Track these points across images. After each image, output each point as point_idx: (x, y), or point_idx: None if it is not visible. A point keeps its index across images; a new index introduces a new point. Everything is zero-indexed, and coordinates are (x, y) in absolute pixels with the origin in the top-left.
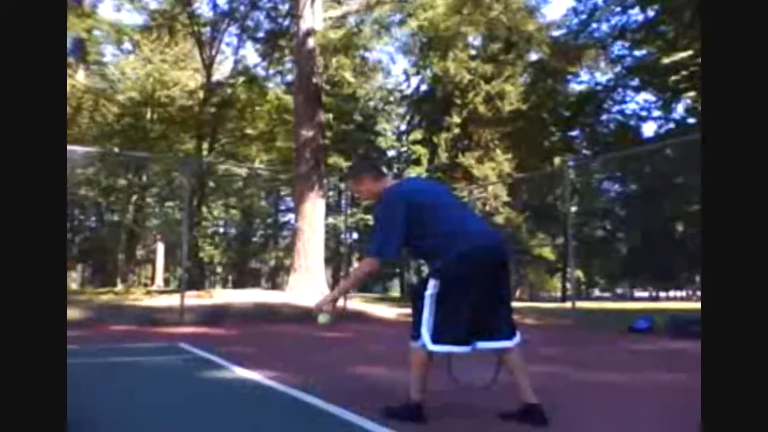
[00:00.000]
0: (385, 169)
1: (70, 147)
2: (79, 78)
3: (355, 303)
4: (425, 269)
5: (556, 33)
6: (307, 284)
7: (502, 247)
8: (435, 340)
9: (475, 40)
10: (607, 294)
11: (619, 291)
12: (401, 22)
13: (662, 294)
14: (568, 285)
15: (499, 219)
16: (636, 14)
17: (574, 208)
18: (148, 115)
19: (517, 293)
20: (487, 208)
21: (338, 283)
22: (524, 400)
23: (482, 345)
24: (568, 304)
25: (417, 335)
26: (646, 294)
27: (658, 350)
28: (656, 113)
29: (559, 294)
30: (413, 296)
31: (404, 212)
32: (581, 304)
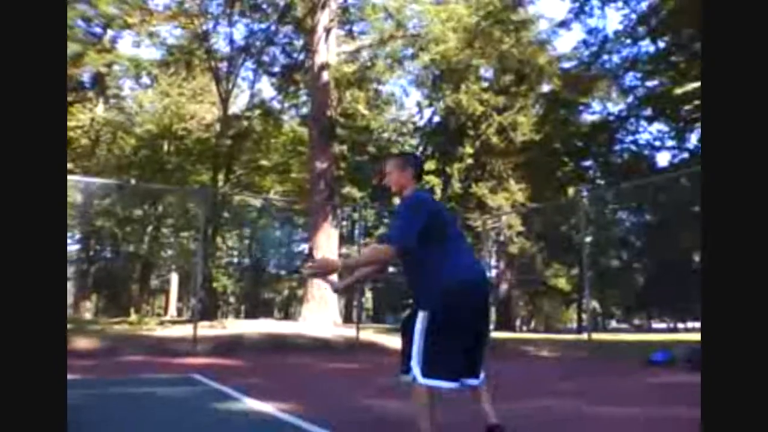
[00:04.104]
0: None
1: (88, 179)
2: (98, 111)
3: (368, 334)
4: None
5: (567, 65)
6: (320, 315)
7: (485, 282)
8: (425, 373)
9: (487, 72)
10: (624, 325)
11: (636, 322)
12: (414, 56)
13: (680, 325)
14: (584, 316)
15: (513, 249)
16: (647, 45)
17: (588, 238)
18: (165, 148)
19: (532, 324)
20: (501, 238)
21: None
22: (489, 422)
23: (466, 381)
24: (584, 336)
25: (407, 369)
26: (663, 325)
27: (676, 383)
28: (670, 143)
29: (575, 325)
30: (403, 328)
31: (426, 215)
32: (597, 336)
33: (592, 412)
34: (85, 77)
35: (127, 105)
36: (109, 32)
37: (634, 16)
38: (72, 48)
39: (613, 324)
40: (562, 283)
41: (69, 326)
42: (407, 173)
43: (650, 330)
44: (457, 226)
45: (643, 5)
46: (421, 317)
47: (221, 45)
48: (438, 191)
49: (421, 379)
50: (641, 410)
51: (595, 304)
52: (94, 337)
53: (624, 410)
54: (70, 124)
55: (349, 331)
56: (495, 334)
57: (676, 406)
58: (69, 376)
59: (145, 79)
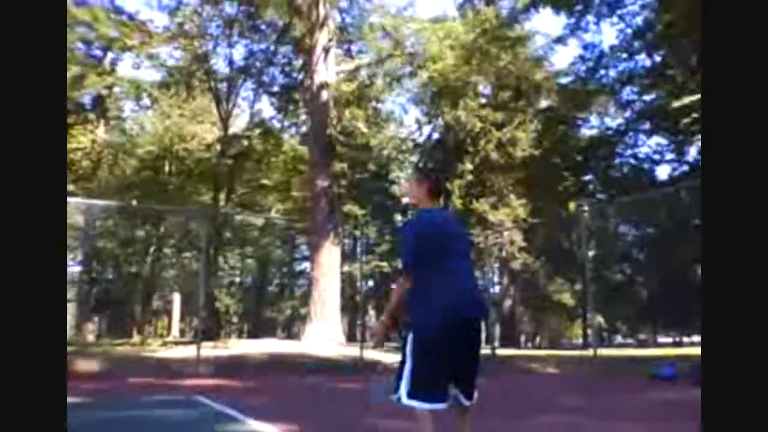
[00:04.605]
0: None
1: (89, 201)
2: (99, 133)
3: (372, 353)
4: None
5: (564, 80)
6: (323, 334)
7: (477, 306)
8: (409, 394)
9: (485, 88)
10: (629, 340)
11: (641, 337)
12: (412, 74)
13: (686, 339)
14: (589, 331)
15: (516, 265)
16: (643, 60)
17: (591, 253)
18: (167, 168)
19: (537, 340)
20: (503, 254)
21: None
22: None
23: (460, 400)
24: (589, 352)
25: (396, 388)
26: (669, 340)
27: (683, 399)
28: (669, 156)
29: (580, 341)
30: (402, 348)
31: (414, 238)
32: (603, 351)
33: (595, 428)
34: (86, 99)
35: (127, 126)
36: (110, 55)
37: (629, 31)
38: (73, 71)
39: (619, 339)
40: (566, 298)
41: (71, 348)
42: (422, 189)
43: (656, 344)
44: (462, 243)
45: (639, 20)
46: (410, 338)
47: (221, 66)
48: (440, 208)
49: (405, 400)
50: (645, 426)
51: (599, 319)
52: (96, 359)
53: (628, 426)
54: (71, 146)
55: (353, 351)
56: (499, 351)
57: (680, 422)
58: (72, 399)
59: (146, 101)
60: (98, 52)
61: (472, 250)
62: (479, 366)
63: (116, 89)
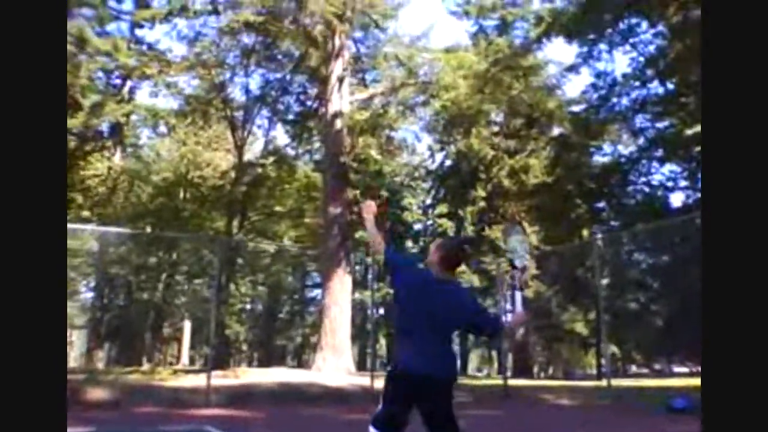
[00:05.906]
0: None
1: (103, 228)
2: (116, 160)
3: (383, 382)
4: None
5: (576, 108)
6: (333, 363)
7: (426, 379)
8: (372, 421)
9: (497, 116)
10: (644, 370)
11: (656, 366)
12: (425, 103)
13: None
14: (603, 361)
15: (528, 293)
16: (656, 87)
17: (605, 281)
18: (181, 195)
19: (551, 370)
20: (516, 281)
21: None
22: None
23: None
24: (603, 382)
25: None
26: (686, 369)
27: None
28: (683, 183)
29: (594, 370)
30: None
31: (402, 269)
32: (618, 382)
33: None
34: (104, 126)
35: (144, 153)
36: (128, 83)
37: (641, 59)
38: (92, 99)
39: (633, 368)
40: (579, 327)
41: (81, 376)
42: (434, 256)
43: (671, 374)
44: (441, 316)
45: (651, 48)
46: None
47: (237, 94)
48: (451, 234)
49: (370, 426)
50: None
51: (613, 348)
52: (106, 387)
53: None
54: (88, 172)
55: (364, 380)
56: (512, 381)
57: None
58: (77, 429)
59: (163, 128)
60: (117, 81)
61: (477, 328)
62: (437, 420)
63: (134, 117)
